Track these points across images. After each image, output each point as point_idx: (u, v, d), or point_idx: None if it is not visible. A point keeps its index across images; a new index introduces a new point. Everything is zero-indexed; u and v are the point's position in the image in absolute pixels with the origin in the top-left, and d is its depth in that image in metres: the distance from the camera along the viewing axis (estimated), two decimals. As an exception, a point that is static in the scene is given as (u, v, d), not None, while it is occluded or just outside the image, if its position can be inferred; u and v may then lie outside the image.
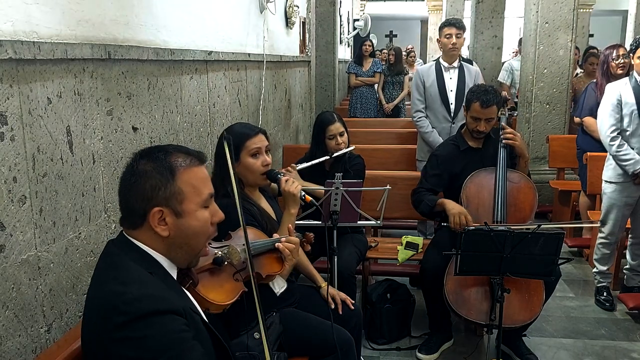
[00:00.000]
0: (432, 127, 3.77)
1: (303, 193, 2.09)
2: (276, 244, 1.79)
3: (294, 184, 2.08)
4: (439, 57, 3.91)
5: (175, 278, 1.29)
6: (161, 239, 1.24)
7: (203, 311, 1.35)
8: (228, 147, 1.41)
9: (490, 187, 2.70)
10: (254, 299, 1.33)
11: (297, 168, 2.62)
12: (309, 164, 2.66)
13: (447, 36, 3.72)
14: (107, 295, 1.14)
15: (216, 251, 1.49)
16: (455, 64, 3.79)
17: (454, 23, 3.77)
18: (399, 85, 6.90)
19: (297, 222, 2.14)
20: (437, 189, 2.87)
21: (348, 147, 2.86)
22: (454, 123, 3.73)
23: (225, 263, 1.48)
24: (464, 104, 2.89)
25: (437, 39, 3.88)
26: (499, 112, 2.83)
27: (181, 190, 1.23)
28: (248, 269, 1.54)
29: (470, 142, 2.89)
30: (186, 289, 1.34)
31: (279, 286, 1.73)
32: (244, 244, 1.57)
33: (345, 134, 2.88)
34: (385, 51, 10.32)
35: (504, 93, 3.36)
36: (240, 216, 1.41)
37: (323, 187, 2.38)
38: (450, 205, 2.64)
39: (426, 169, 2.95)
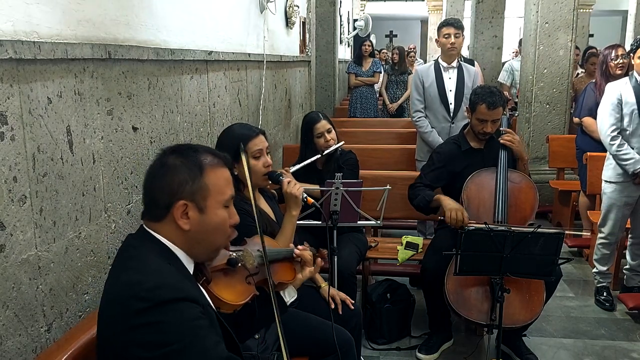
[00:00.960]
0: (432, 127, 3.78)
1: (305, 195, 2.09)
2: (295, 251, 1.81)
3: (295, 186, 2.08)
4: (438, 57, 3.91)
5: (191, 273, 1.32)
6: (182, 233, 1.27)
7: (215, 309, 1.36)
8: (246, 159, 1.51)
9: (491, 187, 2.70)
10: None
11: (291, 170, 2.61)
12: (302, 164, 2.66)
13: (446, 36, 3.72)
14: (125, 284, 1.17)
15: (231, 253, 1.50)
16: (454, 63, 3.79)
17: (452, 23, 3.77)
18: (403, 84, 6.90)
19: (297, 222, 2.14)
20: (434, 184, 2.87)
21: (337, 143, 2.86)
22: (453, 123, 3.73)
23: (239, 265, 1.50)
24: (467, 106, 2.88)
25: (436, 39, 3.88)
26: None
27: (207, 187, 1.27)
28: (261, 273, 1.56)
29: (472, 142, 2.89)
30: (200, 285, 1.36)
31: (289, 295, 1.74)
32: (258, 250, 1.58)
33: (333, 131, 2.88)
34: (385, 51, 10.33)
35: (506, 93, 3.37)
36: (258, 224, 1.48)
37: (321, 188, 2.38)
38: (447, 202, 2.65)
39: (426, 165, 2.96)
